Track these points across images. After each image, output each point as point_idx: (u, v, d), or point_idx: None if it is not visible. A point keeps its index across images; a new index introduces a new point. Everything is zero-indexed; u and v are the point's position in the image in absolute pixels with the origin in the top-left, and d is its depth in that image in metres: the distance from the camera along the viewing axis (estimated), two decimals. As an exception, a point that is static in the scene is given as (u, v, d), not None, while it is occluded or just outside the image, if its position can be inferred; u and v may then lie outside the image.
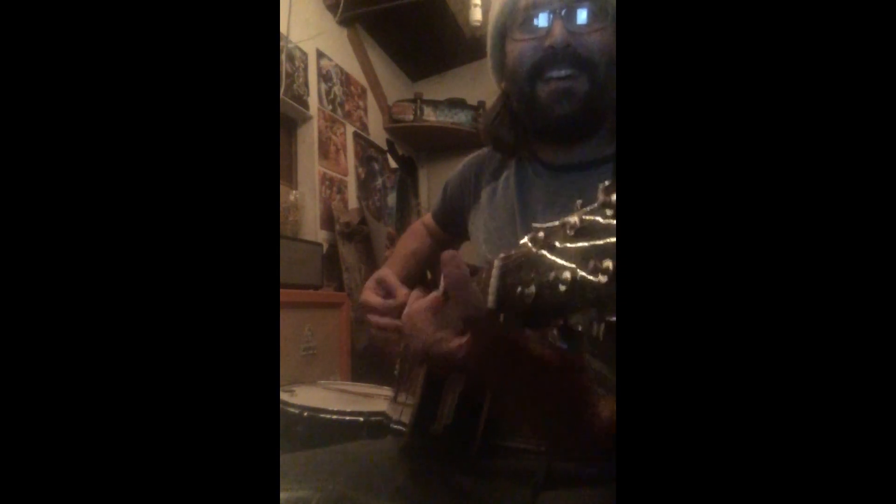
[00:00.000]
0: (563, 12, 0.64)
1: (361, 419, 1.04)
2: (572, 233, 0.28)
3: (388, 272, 0.77)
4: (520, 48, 0.67)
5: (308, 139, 2.19)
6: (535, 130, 0.72)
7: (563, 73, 0.64)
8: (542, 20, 0.65)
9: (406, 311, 0.41)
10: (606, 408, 0.41)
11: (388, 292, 0.74)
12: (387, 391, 1.31)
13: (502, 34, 0.71)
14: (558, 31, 0.63)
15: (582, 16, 0.64)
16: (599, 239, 0.27)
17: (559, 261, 0.28)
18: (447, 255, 0.40)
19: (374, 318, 0.72)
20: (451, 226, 0.91)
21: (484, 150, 0.83)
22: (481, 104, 2.75)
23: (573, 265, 0.27)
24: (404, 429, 0.64)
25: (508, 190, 0.74)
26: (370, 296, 0.74)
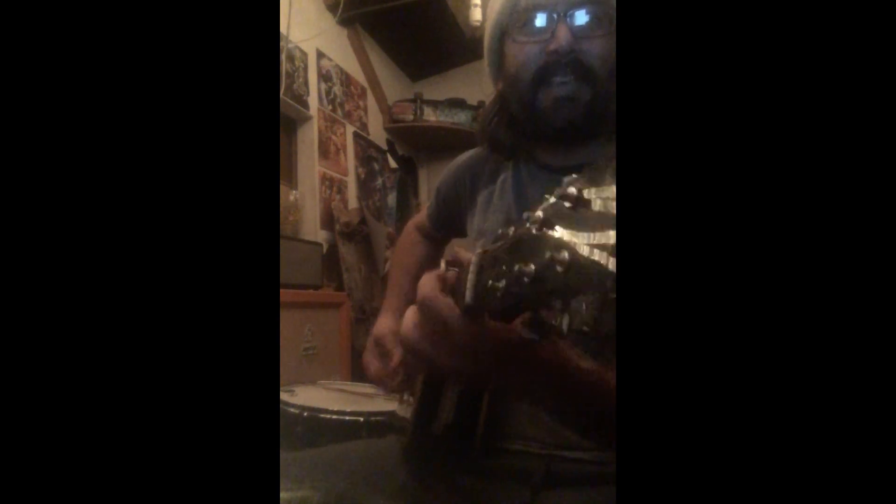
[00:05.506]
0: (566, 14, 0.62)
1: (361, 419, 1.04)
2: (535, 227, 0.29)
3: (384, 330, 0.88)
4: (521, 51, 0.66)
5: (308, 139, 2.19)
6: (533, 134, 0.71)
7: (566, 79, 0.63)
8: (542, 20, 0.64)
9: (401, 330, 0.42)
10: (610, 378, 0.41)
11: (384, 353, 0.85)
12: (387, 391, 1.31)
13: (501, 34, 0.69)
14: (563, 35, 0.62)
15: (584, 17, 0.63)
16: (557, 231, 0.27)
17: (524, 255, 0.29)
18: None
19: (375, 379, 0.88)
20: (448, 229, 0.90)
21: (476, 151, 0.82)
22: (481, 104, 2.75)
23: (536, 258, 0.28)
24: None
25: (505, 193, 0.73)
26: (370, 360, 0.88)
